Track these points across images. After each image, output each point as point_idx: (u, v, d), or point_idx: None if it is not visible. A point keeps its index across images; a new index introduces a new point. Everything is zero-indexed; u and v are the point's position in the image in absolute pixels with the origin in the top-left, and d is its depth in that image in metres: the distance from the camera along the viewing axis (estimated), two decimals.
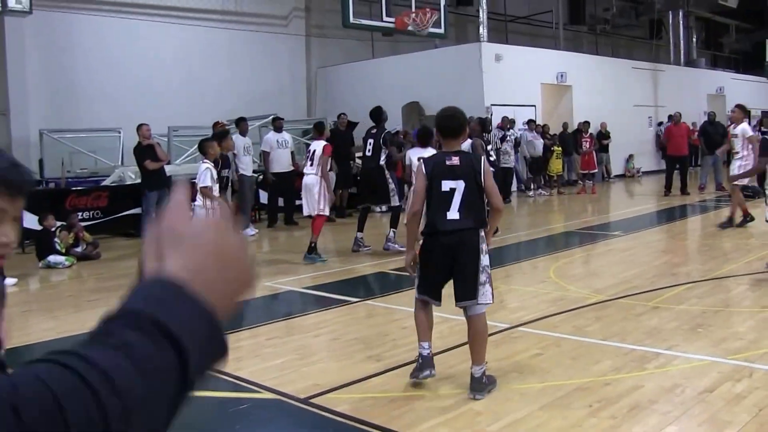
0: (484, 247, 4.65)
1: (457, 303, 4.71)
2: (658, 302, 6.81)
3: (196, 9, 19.59)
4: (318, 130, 10.93)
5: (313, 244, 9.88)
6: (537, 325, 6.16)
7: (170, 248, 0.79)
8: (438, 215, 4.64)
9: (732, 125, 12.32)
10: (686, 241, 11.18)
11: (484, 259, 4.63)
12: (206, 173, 8.58)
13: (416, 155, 8.47)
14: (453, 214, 4.60)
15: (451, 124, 4.85)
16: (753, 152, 10.49)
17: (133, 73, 18.14)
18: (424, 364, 4.76)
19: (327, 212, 10.18)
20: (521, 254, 10.28)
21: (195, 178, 8.68)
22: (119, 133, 16.75)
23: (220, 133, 10.97)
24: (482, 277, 4.61)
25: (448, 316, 5.98)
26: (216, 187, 8.73)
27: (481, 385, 4.55)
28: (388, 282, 8.61)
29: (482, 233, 4.67)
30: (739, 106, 12.23)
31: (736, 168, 11.35)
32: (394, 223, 10.48)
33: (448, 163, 4.66)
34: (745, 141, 11.24)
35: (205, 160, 8.78)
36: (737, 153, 11.59)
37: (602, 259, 9.78)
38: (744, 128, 11.52)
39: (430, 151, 8.49)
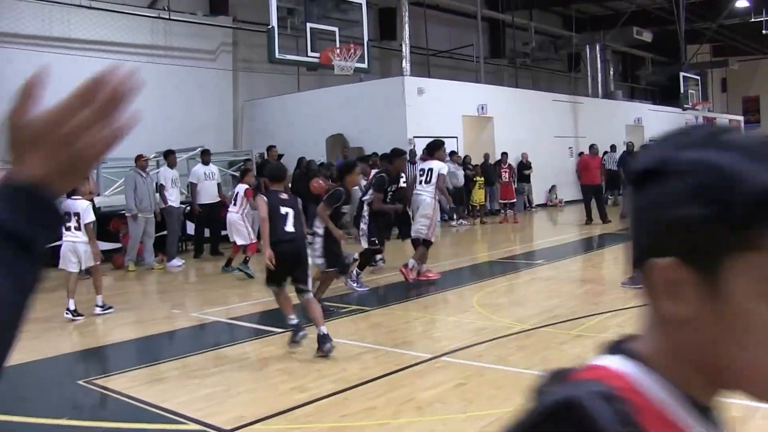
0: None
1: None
2: (580, 331, 6.97)
3: (125, 43, 19.47)
4: (241, 175, 12.24)
5: (247, 259, 11.21)
6: (460, 355, 6.24)
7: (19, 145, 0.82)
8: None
9: None
10: (607, 269, 11.43)
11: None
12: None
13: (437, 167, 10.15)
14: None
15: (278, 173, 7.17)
16: None
17: None
18: (296, 330, 6.53)
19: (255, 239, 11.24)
20: (444, 284, 10.36)
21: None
22: None
23: None
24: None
25: (373, 346, 6.06)
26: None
27: (325, 339, 6.24)
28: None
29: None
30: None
31: None
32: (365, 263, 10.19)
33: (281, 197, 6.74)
34: None
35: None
36: None
37: (525, 289, 9.95)
38: None
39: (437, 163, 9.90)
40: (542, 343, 6.63)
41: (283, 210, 6.66)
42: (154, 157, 15.45)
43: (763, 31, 33.33)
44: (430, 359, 6.12)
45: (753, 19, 33.63)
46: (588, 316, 7.61)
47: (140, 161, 12.91)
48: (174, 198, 13.59)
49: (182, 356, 6.53)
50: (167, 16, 19.93)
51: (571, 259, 12.68)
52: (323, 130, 20.81)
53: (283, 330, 7.42)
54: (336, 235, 7.86)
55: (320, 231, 7.94)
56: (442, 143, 10.95)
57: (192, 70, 21.03)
